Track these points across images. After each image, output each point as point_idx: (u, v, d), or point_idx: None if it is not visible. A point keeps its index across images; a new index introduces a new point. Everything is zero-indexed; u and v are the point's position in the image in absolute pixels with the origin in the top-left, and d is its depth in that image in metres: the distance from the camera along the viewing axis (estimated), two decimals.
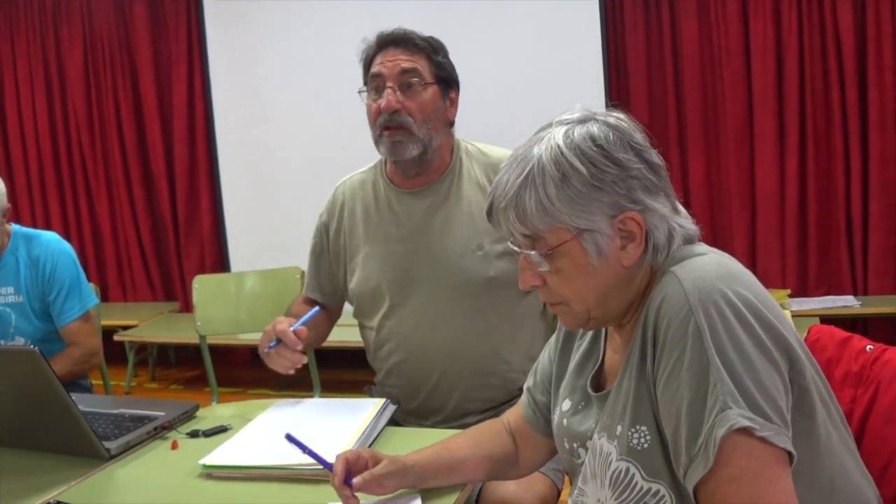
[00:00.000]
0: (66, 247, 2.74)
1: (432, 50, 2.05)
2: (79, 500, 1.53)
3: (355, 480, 1.38)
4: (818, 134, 4.44)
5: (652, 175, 1.20)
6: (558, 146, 1.18)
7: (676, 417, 1.10)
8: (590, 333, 1.40)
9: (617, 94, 4.67)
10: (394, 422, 1.93)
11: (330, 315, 2.28)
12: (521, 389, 2.09)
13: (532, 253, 1.21)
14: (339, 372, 2.34)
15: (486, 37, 4.73)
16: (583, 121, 1.22)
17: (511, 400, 2.08)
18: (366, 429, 1.72)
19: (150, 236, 5.96)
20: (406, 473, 1.42)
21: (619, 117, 1.23)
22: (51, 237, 2.74)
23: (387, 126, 2.00)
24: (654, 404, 1.16)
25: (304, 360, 1.90)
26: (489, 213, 1.26)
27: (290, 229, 5.22)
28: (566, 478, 1.98)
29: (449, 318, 2.04)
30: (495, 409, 2.07)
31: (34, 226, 2.74)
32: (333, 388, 2.73)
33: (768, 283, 4.13)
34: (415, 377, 2.08)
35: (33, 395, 1.73)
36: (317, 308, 2.05)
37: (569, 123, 1.22)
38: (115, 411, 2.01)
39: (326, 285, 2.26)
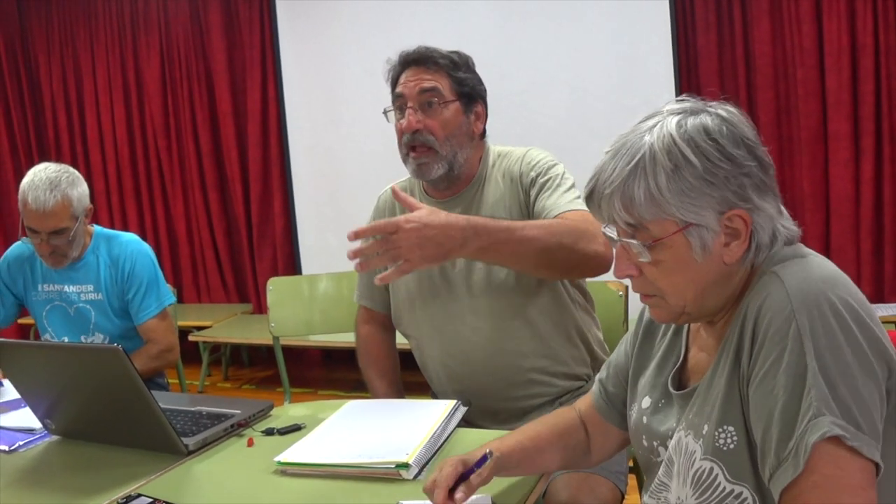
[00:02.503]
0: (145, 247, 2.83)
1: (453, 66, 2.05)
2: (159, 494, 1.57)
3: (473, 481, 1.35)
4: (895, 135, 4.32)
5: (762, 174, 1.17)
6: (671, 136, 1.15)
7: (768, 419, 1.09)
8: (671, 330, 1.38)
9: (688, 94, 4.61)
10: (464, 423, 1.93)
11: (388, 327, 2.35)
12: (580, 377, 2.10)
13: (633, 242, 1.19)
14: (406, 374, 2.36)
15: (558, 36, 4.73)
16: (695, 112, 1.19)
17: (578, 389, 2.09)
18: (436, 430, 1.73)
19: (224, 239, 6.10)
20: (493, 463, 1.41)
21: (730, 110, 1.20)
22: (130, 238, 2.83)
23: (412, 146, 2.04)
24: (744, 405, 1.14)
25: None
26: (589, 197, 1.23)
27: None
28: (629, 481, 1.98)
29: (486, 319, 2.05)
30: (559, 399, 2.08)
31: (112, 229, 2.86)
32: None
33: None
34: (463, 380, 2.09)
35: (116, 391, 1.78)
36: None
37: (681, 113, 1.19)
38: (193, 409, 2.07)
39: (377, 294, 2.32)
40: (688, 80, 4.66)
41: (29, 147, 6.62)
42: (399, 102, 2.06)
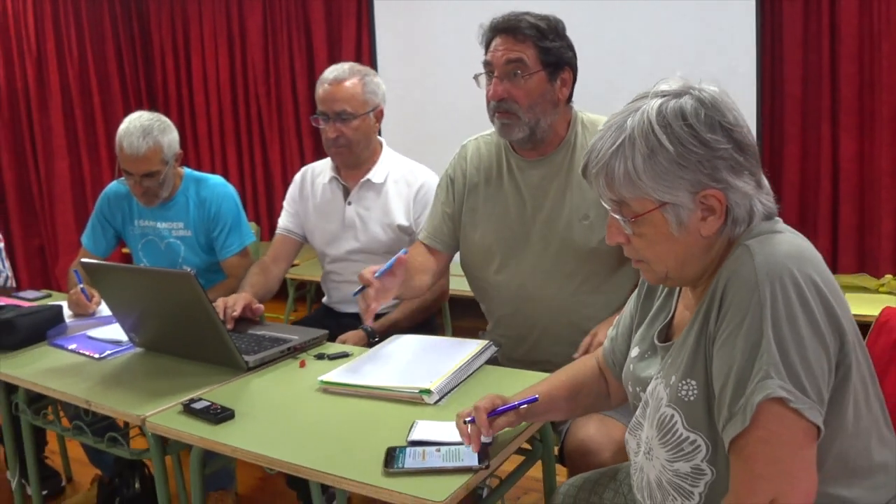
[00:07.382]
0: (231, 189, 3.10)
1: (540, 36, 2.14)
2: (217, 400, 1.84)
3: (522, 411, 1.56)
4: None
5: (739, 155, 1.24)
6: (650, 122, 1.23)
7: (725, 377, 1.19)
8: (667, 288, 1.51)
9: (770, 64, 4.57)
10: (496, 363, 2.12)
11: (441, 263, 2.44)
12: None
13: (617, 217, 1.31)
14: (468, 319, 2.52)
15: (640, 4, 4.76)
16: (678, 94, 1.26)
17: None
18: (463, 365, 1.94)
19: None
20: (520, 411, 1.58)
21: (713, 92, 1.26)
22: (217, 181, 3.10)
23: (497, 110, 2.18)
24: (707, 362, 1.26)
25: (378, 308, 2.00)
26: (583, 172, 1.34)
27: None
28: None
29: (553, 280, 2.21)
30: None
31: (213, 170, 3.09)
32: (460, 333, 2.94)
33: None
34: (520, 330, 2.28)
35: (188, 311, 2.05)
36: (398, 255, 2.08)
37: (665, 96, 1.26)
38: (259, 333, 2.34)
39: (447, 236, 2.42)
40: (771, 49, 4.60)
41: (139, 91, 6.91)
42: (488, 69, 2.20)
